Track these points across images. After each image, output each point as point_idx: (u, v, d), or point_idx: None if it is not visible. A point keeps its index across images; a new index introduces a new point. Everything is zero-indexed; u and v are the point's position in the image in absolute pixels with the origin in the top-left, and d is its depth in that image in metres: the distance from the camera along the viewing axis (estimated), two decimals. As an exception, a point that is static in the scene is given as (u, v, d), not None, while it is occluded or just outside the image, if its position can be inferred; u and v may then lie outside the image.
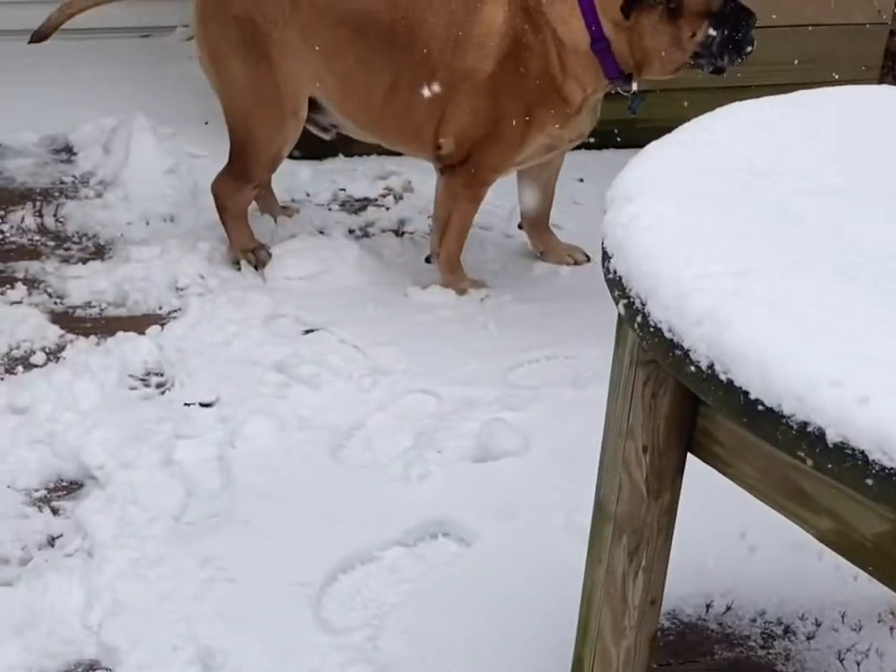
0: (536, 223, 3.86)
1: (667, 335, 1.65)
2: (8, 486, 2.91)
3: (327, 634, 2.54)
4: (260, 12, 3.41)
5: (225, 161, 3.69)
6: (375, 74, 3.44)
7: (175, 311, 3.57)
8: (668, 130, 2.12)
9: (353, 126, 3.62)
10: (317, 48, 3.42)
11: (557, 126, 3.44)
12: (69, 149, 4.42)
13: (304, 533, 2.80)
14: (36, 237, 3.93)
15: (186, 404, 3.19)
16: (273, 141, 3.57)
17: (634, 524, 1.98)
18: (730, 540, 2.76)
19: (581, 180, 4.32)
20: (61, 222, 4.00)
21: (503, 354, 3.43)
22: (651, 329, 1.68)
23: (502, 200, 3.95)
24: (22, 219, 4.00)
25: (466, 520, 2.84)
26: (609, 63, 3.35)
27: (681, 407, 1.87)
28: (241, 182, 3.65)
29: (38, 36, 3.66)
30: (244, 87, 3.50)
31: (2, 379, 3.25)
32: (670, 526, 2.02)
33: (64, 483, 2.96)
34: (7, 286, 3.64)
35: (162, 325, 3.49)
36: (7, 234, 3.93)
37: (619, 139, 4.25)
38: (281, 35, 3.41)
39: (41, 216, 4.04)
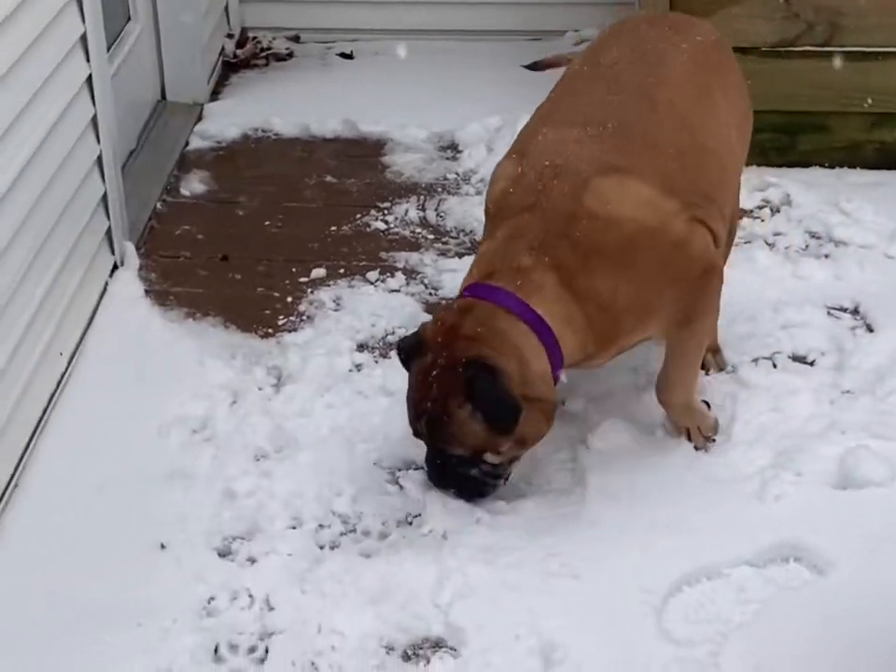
0: None
1: None
2: (375, 463, 3.07)
3: (668, 644, 2.52)
4: None
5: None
6: None
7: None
8: None
9: None
10: None
11: None
12: (455, 147, 4.59)
13: (652, 538, 2.79)
14: (418, 230, 4.11)
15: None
16: None
17: None
18: None
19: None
20: (441, 217, 4.17)
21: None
22: None
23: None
24: (406, 212, 4.20)
25: (821, 547, 2.74)
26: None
27: None
28: None
29: (535, 67, 3.72)
30: None
31: (377, 362, 3.42)
32: None
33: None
34: (388, 274, 3.83)
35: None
36: (392, 225, 4.14)
37: None
38: None
39: (424, 209, 4.22)
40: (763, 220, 4.07)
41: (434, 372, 2.68)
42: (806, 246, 3.88)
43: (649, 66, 2.93)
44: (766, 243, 3.93)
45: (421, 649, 2.57)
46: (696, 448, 3.03)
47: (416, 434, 2.82)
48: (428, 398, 2.69)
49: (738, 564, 2.72)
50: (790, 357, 3.39)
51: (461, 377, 2.63)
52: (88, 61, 3.41)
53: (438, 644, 2.58)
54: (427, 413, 2.71)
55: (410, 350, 2.78)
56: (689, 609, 2.62)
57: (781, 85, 4.17)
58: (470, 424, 2.67)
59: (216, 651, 2.55)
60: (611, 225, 2.69)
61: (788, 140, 4.34)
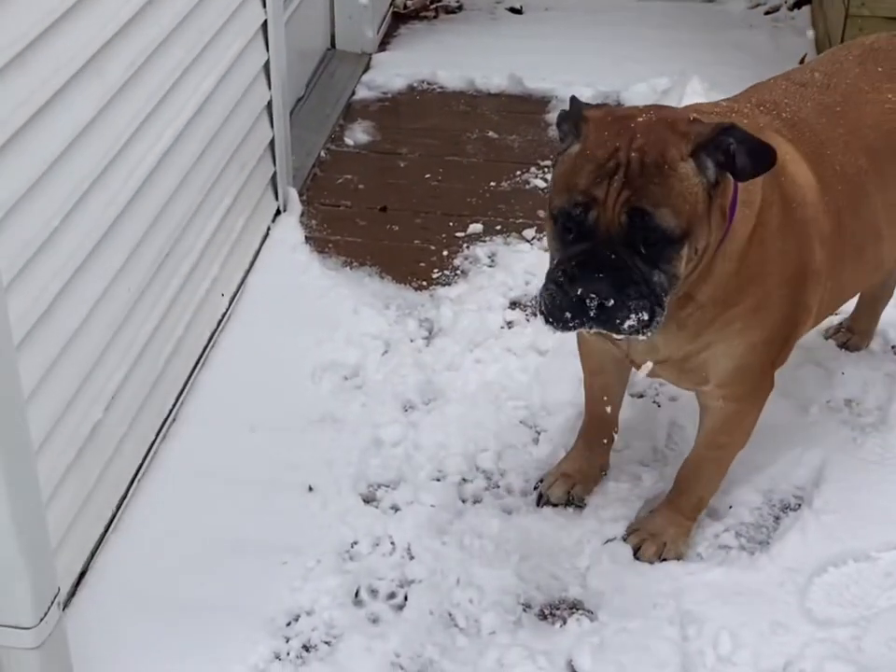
0: None
1: None
2: (521, 422, 3.07)
3: (810, 624, 2.49)
4: None
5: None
6: None
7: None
8: None
9: None
10: None
11: None
12: (620, 106, 4.54)
13: (799, 517, 2.75)
14: (577, 189, 4.07)
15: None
16: None
17: None
18: None
19: None
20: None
21: None
22: None
23: None
24: (565, 172, 4.16)
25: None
26: None
27: None
28: None
29: None
30: None
31: (528, 320, 3.42)
32: None
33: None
34: (545, 233, 3.80)
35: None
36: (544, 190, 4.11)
37: None
38: None
39: (584, 169, 4.17)
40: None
41: (640, 119, 2.17)
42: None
43: (834, 97, 2.65)
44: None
45: (558, 609, 2.59)
46: (637, 557, 2.67)
47: (581, 206, 2.16)
48: (631, 146, 2.11)
49: (888, 548, 2.66)
50: (956, 341, 3.29)
51: (688, 128, 2.15)
52: (264, 7, 3.46)
53: (575, 606, 2.59)
54: (626, 166, 2.10)
55: (582, 106, 2.28)
56: (833, 590, 2.58)
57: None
58: (694, 180, 2.13)
59: (356, 594, 2.60)
60: (783, 177, 2.37)
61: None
